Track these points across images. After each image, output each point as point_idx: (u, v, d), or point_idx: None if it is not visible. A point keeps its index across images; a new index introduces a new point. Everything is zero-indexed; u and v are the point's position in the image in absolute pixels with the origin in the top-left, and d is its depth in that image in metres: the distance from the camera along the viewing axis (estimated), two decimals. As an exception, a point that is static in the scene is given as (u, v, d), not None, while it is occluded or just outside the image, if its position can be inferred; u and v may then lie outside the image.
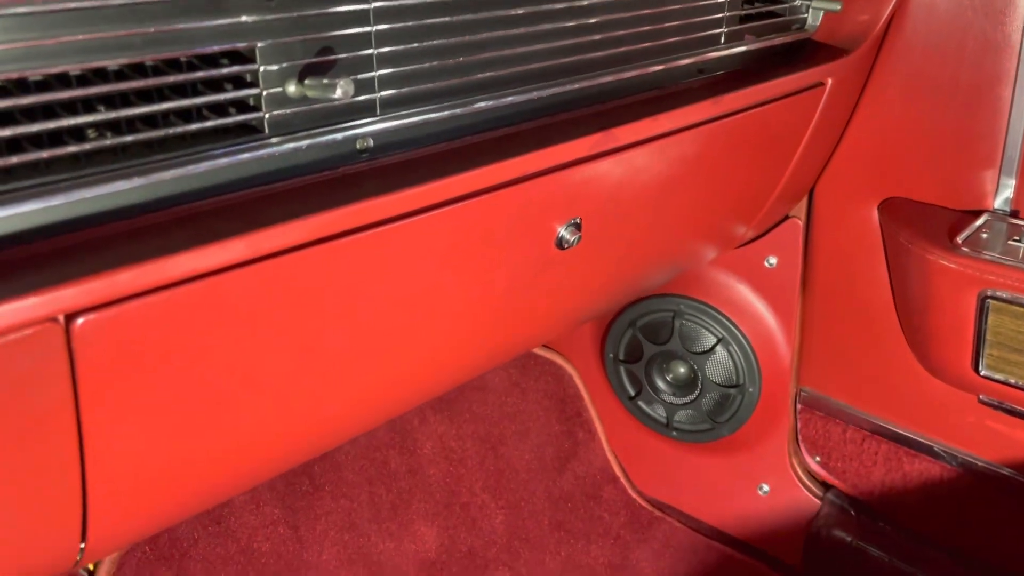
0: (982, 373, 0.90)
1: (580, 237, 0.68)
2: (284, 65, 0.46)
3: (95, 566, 0.87)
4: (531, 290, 0.70)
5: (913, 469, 1.11)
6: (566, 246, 0.68)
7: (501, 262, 0.64)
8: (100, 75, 0.41)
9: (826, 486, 1.19)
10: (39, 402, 0.42)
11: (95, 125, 0.41)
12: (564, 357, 1.38)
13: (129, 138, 0.42)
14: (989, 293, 0.85)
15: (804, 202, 1.10)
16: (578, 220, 0.68)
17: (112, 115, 0.41)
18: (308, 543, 1.05)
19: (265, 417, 0.56)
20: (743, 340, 1.15)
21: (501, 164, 0.55)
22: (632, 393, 1.27)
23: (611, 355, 1.28)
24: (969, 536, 1.08)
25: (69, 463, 0.47)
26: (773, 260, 1.13)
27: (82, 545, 0.56)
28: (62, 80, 0.39)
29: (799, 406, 1.19)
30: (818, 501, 1.19)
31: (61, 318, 0.39)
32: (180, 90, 0.44)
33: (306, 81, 0.46)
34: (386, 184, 0.50)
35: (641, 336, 1.22)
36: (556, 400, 1.35)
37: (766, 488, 1.22)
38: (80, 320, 0.40)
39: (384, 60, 0.51)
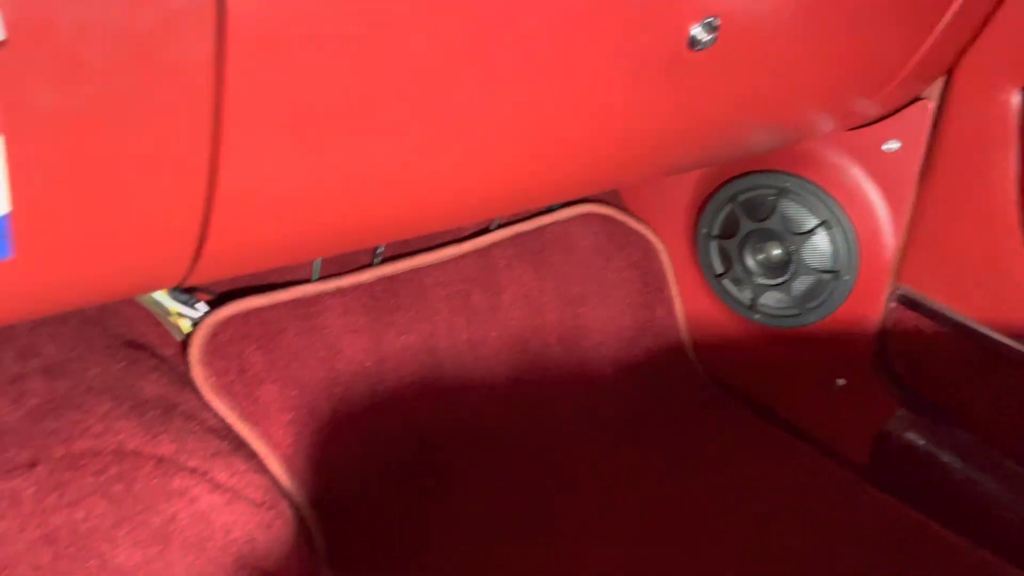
0: (1107, 272, 0.85)
1: (715, 39, 0.66)
2: None
3: (192, 329, 0.92)
4: (655, 91, 0.69)
5: (1003, 380, 1.07)
6: (698, 47, 0.66)
7: (629, 45, 0.63)
8: None
9: (904, 386, 1.16)
10: (181, 72, 0.43)
11: None
12: (653, 231, 1.36)
13: None
14: None
15: (939, 84, 1.04)
16: (715, 21, 0.65)
17: None
18: (387, 356, 1.08)
19: (381, 164, 0.57)
20: (847, 225, 1.12)
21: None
22: (720, 271, 1.25)
23: (704, 230, 1.26)
24: (1052, 454, 1.04)
25: (200, 153, 0.48)
26: (894, 145, 1.07)
27: (187, 270, 0.59)
28: None
29: (892, 304, 1.15)
30: (894, 401, 1.16)
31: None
32: None
33: None
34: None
35: (740, 211, 1.20)
36: (640, 272, 1.34)
37: (842, 382, 1.20)
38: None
39: None
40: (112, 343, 0.80)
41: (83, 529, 0.64)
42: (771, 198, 1.16)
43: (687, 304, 1.34)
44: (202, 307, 0.94)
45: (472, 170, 0.63)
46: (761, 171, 1.17)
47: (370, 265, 1.11)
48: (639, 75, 0.66)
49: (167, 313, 0.91)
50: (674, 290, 1.35)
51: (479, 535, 0.95)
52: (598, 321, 1.29)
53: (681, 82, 0.70)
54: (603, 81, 0.64)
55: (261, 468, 0.86)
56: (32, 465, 0.64)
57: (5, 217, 0.43)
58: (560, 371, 1.22)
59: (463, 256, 1.19)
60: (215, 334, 0.93)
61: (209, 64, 0.43)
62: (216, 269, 0.61)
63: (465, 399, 1.13)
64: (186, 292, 0.93)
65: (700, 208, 1.26)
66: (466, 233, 1.21)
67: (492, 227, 1.23)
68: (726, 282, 1.25)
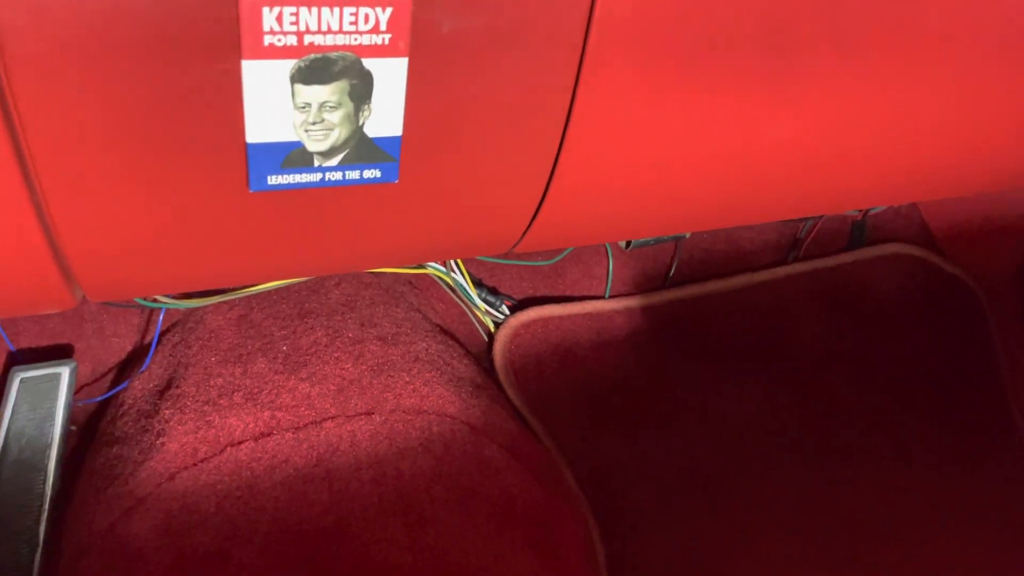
0: None
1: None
2: None
3: (497, 329, 0.97)
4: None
5: None
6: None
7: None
8: None
9: None
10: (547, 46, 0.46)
11: None
12: (972, 276, 1.22)
13: None
14: None
15: None
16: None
17: None
18: (671, 377, 1.06)
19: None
20: None
21: None
22: (1060, 319, 1.09)
23: (1040, 272, 1.11)
24: None
25: (561, 93, 0.51)
26: None
27: (523, 229, 0.62)
28: None
29: None
30: None
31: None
32: None
33: None
34: None
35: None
36: (955, 321, 1.21)
37: None
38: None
39: None
40: (432, 328, 0.87)
41: (407, 477, 0.68)
42: None
43: (1015, 359, 1.18)
44: (505, 310, 0.99)
45: (825, 150, 0.61)
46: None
47: (660, 288, 1.10)
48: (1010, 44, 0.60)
49: (476, 311, 0.97)
50: (997, 343, 1.20)
51: (771, 570, 0.88)
52: (902, 367, 1.17)
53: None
54: (970, 52, 0.60)
55: (552, 462, 0.87)
56: (369, 413, 0.70)
57: (397, 140, 0.48)
58: (853, 412, 1.12)
59: (755, 286, 1.15)
60: (516, 334, 0.97)
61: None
62: (548, 235, 0.63)
63: (747, 432, 1.07)
64: (493, 295, 0.99)
65: (1035, 246, 1.11)
66: (761, 263, 1.17)
67: (788, 259, 1.18)
68: (1068, 332, 1.08)
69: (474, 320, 0.98)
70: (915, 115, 0.64)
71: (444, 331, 0.90)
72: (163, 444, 0.68)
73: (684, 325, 1.10)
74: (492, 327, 0.98)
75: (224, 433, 0.67)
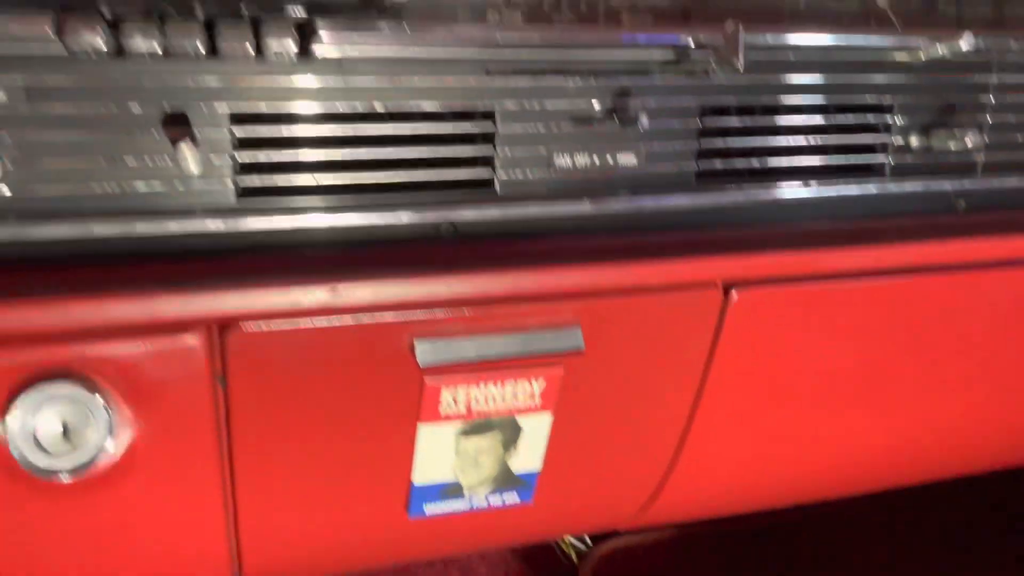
0: None
1: None
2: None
3: (579, 561, 1.01)
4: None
5: None
6: None
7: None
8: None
9: None
10: (680, 357, 0.54)
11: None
12: None
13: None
14: None
15: None
16: None
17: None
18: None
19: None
20: None
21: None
22: None
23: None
24: None
25: (676, 425, 0.58)
26: None
27: (636, 513, 0.68)
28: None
29: None
30: None
31: (720, 285, 0.51)
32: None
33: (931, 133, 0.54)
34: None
35: None
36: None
37: None
38: (735, 293, 0.51)
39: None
40: (520, 564, 0.91)
41: None
42: None
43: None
44: (588, 540, 1.03)
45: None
46: None
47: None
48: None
49: (561, 543, 1.01)
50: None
51: None
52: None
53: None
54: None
55: None
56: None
57: (536, 474, 0.55)
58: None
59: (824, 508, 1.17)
60: (599, 567, 1.01)
61: (704, 356, 0.54)
62: (661, 516, 0.69)
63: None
64: (576, 524, 1.03)
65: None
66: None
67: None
68: None
69: (558, 551, 1.02)
70: (987, 416, 0.69)
71: (531, 564, 0.94)
72: None
73: (758, 551, 1.13)
74: (575, 557, 1.01)
75: None
